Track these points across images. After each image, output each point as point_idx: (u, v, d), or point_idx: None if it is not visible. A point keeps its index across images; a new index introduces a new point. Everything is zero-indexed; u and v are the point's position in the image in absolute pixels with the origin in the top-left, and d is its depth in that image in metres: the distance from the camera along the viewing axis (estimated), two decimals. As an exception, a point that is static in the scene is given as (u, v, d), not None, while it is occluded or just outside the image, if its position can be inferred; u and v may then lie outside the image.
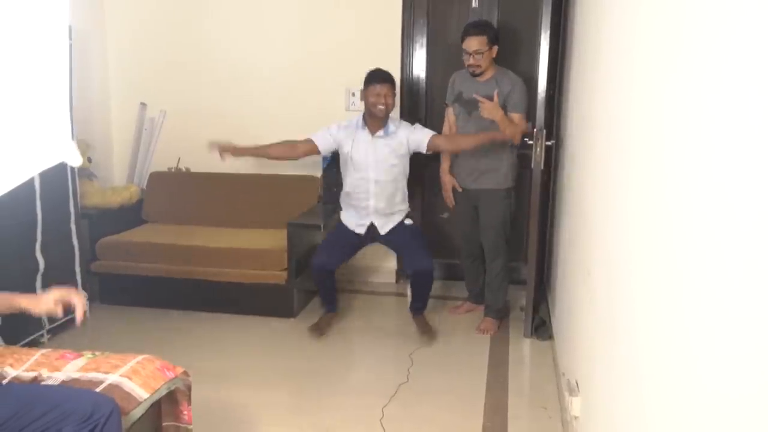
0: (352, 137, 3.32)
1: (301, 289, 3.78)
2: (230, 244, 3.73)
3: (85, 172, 3.99)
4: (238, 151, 3.38)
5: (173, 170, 4.45)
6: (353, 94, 4.16)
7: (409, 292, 3.55)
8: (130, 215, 4.17)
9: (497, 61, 3.35)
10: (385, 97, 3.21)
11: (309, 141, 3.38)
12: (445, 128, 3.58)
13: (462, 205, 3.59)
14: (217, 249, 3.70)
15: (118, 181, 4.57)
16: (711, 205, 0.93)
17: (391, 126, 3.31)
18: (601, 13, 2.14)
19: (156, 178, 4.36)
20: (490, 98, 3.26)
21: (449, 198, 3.61)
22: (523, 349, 3.35)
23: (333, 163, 3.89)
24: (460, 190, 3.55)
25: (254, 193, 4.18)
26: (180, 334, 3.49)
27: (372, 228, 3.40)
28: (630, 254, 1.42)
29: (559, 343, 3.07)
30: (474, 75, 3.31)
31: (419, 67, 4.18)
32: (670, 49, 1.18)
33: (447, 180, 3.58)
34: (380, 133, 3.29)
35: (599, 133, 2.06)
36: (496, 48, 3.28)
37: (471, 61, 3.25)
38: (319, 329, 3.42)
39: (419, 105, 4.22)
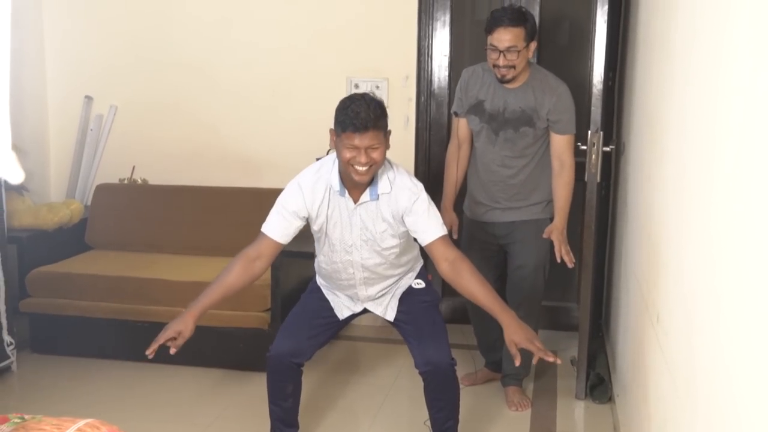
0: (325, 206, 2.62)
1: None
2: (197, 277, 3.71)
3: (13, 185, 4.01)
4: (188, 323, 2.50)
5: (126, 182, 4.47)
6: (356, 86, 4.18)
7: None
8: (70, 239, 4.18)
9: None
10: (366, 152, 2.43)
11: (263, 238, 2.62)
12: (452, 148, 3.42)
13: (478, 247, 3.34)
14: (181, 283, 3.69)
15: (55, 197, 4.59)
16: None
17: (381, 184, 2.59)
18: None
19: (104, 192, 4.37)
20: (526, 111, 3.17)
21: None
22: (574, 414, 3.32)
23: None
24: (455, 236, 3.30)
25: (229, 210, 4.18)
26: (132, 391, 3.47)
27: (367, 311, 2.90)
28: (718, 298, 1.40)
29: (622, 407, 3.03)
30: (503, 81, 3.16)
31: (440, 52, 4.20)
32: None
33: (447, 218, 3.31)
34: (365, 196, 2.61)
35: (671, 137, 2.05)
36: (534, 45, 3.14)
37: (501, 61, 3.06)
38: None
39: (441, 104, 4.23)
